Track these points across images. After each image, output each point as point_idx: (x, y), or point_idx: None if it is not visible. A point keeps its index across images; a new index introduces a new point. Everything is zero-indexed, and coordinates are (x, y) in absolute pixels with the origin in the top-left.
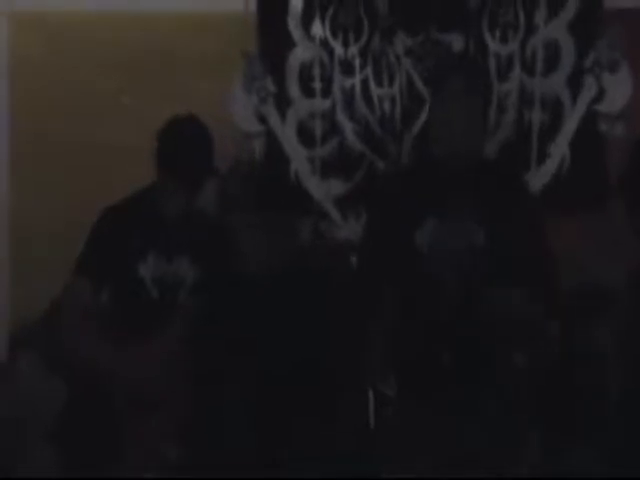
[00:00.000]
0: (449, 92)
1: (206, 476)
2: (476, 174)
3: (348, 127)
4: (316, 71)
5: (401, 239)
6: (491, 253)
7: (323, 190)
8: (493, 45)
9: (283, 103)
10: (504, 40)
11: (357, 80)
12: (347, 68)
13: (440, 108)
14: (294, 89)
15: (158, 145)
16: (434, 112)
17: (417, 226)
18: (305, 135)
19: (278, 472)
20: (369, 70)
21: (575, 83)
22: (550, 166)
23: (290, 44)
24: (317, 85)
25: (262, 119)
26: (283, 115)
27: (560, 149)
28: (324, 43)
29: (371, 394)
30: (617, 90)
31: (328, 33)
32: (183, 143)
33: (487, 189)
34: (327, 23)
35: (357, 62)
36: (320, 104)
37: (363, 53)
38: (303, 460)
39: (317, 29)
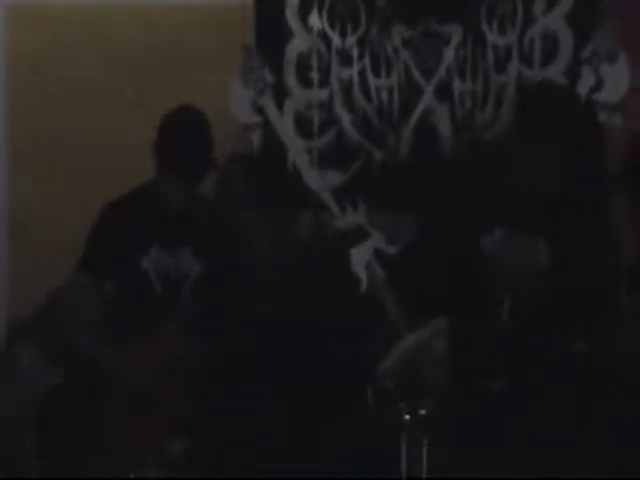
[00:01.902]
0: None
1: (208, 475)
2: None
3: (346, 118)
4: (314, 62)
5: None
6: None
7: (321, 181)
8: (491, 36)
9: (280, 94)
10: (502, 31)
11: (355, 71)
12: (345, 59)
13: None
14: (291, 80)
15: (157, 138)
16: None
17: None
18: (303, 126)
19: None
20: (367, 61)
21: (573, 74)
22: None
23: (287, 35)
24: (315, 76)
25: (259, 110)
26: (280, 106)
27: None
28: (322, 34)
29: (371, 389)
30: (615, 81)
31: (326, 24)
32: (181, 135)
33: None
34: (325, 14)
35: (355, 53)
36: (318, 95)
37: (361, 44)
38: (305, 456)
39: (315, 20)
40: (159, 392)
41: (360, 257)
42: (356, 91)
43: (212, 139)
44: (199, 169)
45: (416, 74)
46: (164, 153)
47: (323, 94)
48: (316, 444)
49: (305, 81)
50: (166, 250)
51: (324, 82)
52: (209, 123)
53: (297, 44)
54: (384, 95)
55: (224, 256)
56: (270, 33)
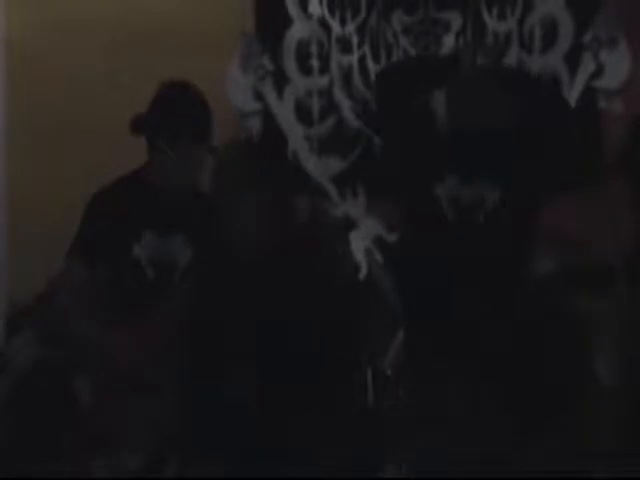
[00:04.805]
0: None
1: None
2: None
3: (346, 105)
4: (313, 49)
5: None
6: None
7: (320, 168)
8: (491, 23)
9: (280, 81)
10: (502, 17)
11: (355, 58)
12: (344, 46)
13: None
14: (291, 67)
15: (153, 112)
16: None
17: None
18: (303, 113)
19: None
20: (367, 48)
21: (573, 60)
22: None
23: (287, 22)
24: (314, 63)
25: (259, 97)
26: (280, 93)
27: None
28: (321, 21)
29: (370, 374)
30: (616, 66)
31: (325, 11)
32: (180, 118)
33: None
34: (324, 1)
35: (354, 40)
36: (318, 82)
37: (360, 31)
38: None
39: (314, 7)
40: (151, 377)
41: (359, 244)
42: (356, 78)
43: (211, 121)
44: (197, 151)
45: None
46: (161, 135)
47: (323, 81)
48: (312, 429)
49: (305, 68)
50: (159, 236)
51: (324, 69)
52: (209, 105)
53: (297, 31)
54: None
55: (219, 243)
56: (270, 20)
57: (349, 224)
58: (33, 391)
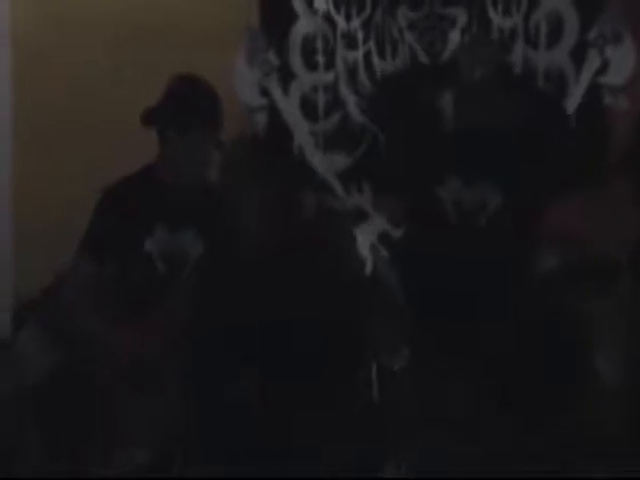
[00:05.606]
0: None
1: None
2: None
3: (351, 100)
4: (319, 44)
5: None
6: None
7: (326, 164)
8: (496, 19)
9: (286, 77)
10: (507, 13)
11: (360, 53)
12: (350, 41)
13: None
14: (297, 62)
15: (166, 112)
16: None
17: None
18: (308, 109)
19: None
20: (372, 43)
21: (578, 56)
22: None
23: (293, 17)
24: (320, 58)
25: (265, 93)
26: (286, 89)
27: None
28: (327, 16)
29: (375, 369)
30: (621, 62)
31: (331, 6)
32: (192, 109)
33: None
34: None
35: (360, 35)
36: (323, 77)
37: (366, 26)
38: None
39: (320, 2)
40: (159, 371)
41: (365, 239)
42: (361, 74)
43: (222, 113)
44: (207, 143)
45: (421, 56)
46: (172, 122)
47: (328, 77)
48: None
49: (311, 64)
50: (170, 231)
51: (329, 65)
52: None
53: (302, 26)
54: None
55: (230, 237)
56: (275, 15)
57: (355, 220)
58: (39, 386)
